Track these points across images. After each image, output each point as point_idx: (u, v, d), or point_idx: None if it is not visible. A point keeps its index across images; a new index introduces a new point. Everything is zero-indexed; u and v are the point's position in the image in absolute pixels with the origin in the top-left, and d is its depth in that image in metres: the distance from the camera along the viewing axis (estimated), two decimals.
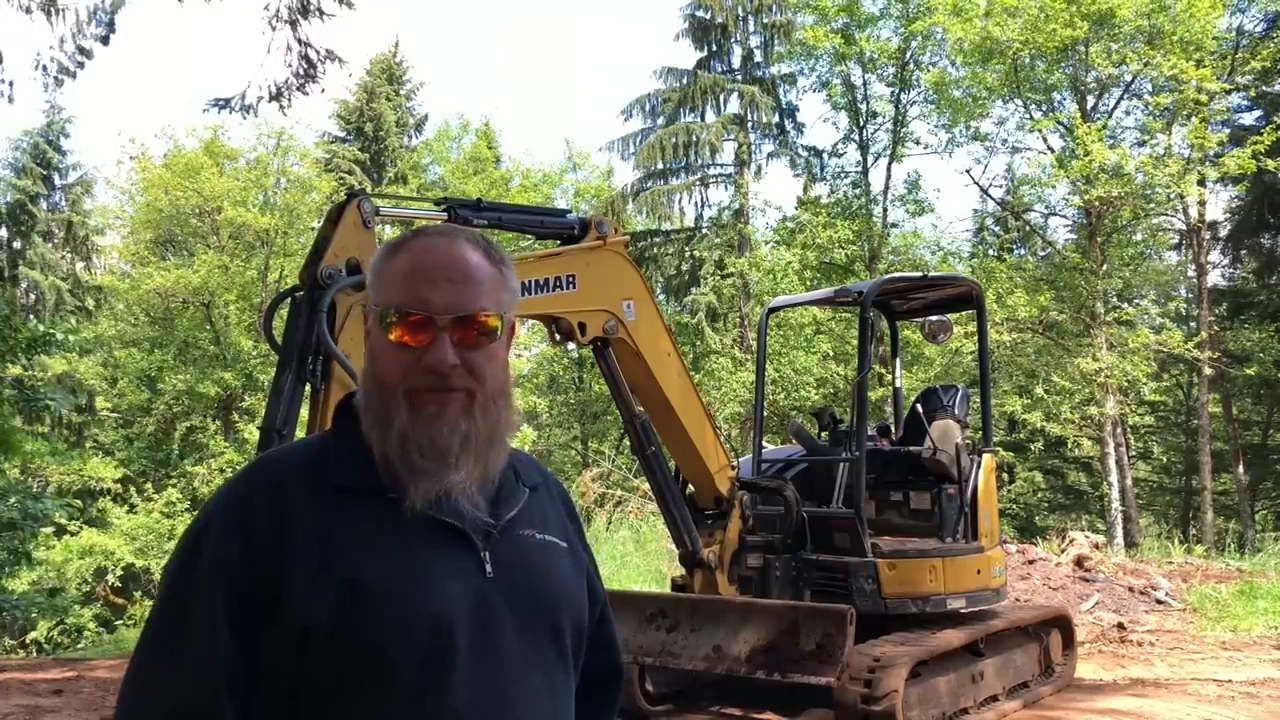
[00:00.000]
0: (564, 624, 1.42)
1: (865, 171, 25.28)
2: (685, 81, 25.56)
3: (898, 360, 9.18)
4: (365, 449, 1.36)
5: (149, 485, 22.74)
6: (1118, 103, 21.51)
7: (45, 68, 9.36)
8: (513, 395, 1.44)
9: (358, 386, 1.43)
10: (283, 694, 1.26)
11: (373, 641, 1.25)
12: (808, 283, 22.39)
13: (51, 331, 12.66)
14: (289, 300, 4.74)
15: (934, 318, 8.40)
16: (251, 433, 22.43)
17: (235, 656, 1.25)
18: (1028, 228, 26.14)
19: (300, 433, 4.50)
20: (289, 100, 9.17)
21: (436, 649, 1.27)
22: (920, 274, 9.28)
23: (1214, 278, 25.40)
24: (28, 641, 20.18)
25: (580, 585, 1.50)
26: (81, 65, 9.46)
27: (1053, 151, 20.82)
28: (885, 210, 24.80)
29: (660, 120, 25.93)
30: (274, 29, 9.04)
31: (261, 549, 1.28)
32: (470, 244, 1.40)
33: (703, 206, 26.73)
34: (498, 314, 1.37)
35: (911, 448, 7.41)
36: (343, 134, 31.65)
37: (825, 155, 26.05)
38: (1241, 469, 24.23)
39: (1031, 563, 12.67)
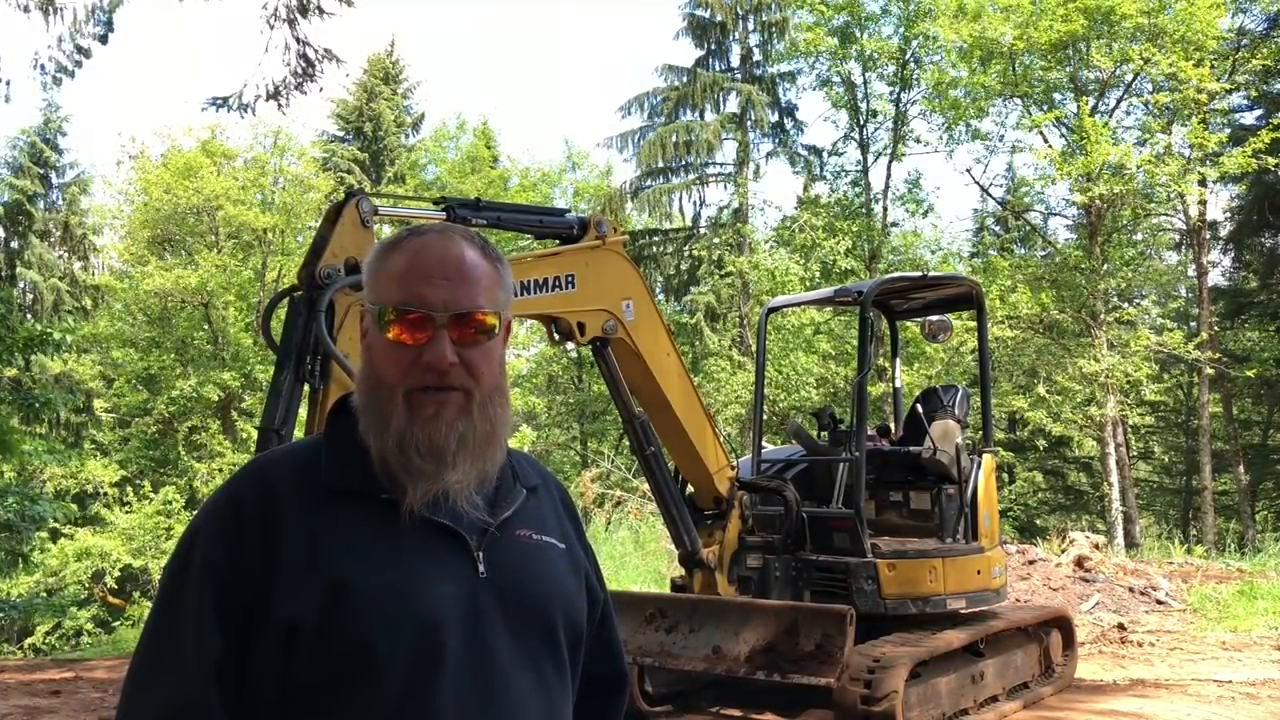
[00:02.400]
0: (559, 625, 1.41)
1: (865, 170, 25.28)
2: (685, 80, 25.55)
3: (897, 360, 9.17)
4: (360, 450, 1.36)
5: (146, 484, 22.66)
6: (1118, 102, 21.52)
7: (43, 67, 9.34)
8: (509, 394, 1.44)
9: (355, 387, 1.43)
10: (274, 695, 1.27)
11: (360, 642, 1.25)
12: (807, 283, 22.39)
13: (49, 331, 12.64)
14: (287, 300, 4.73)
15: (934, 317, 8.39)
16: (251, 432, 22.42)
17: (226, 657, 1.26)
18: (1028, 227, 26.13)
19: (299, 433, 4.50)
20: (287, 99, 9.14)
21: (425, 650, 1.27)
22: (920, 274, 9.26)
23: (1214, 278, 25.41)
24: (26, 646, 20.16)
25: (578, 587, 1.49)
26: (80, 64, 9.44)
27: (1052, 147, 20.80)
28: (885, 209, 24.79)
29: (659, 118, 25.93)
30: (272, 28, 9.03)
31: (250, 551, 1.28)
32: (467, 242, 1.39)
33: (702, 205, 26.77)
34: (495, 312, 1.38)
35: (911, 448, 7.40)
36: (341, 133, 31.66)
37: (825, 154, 26.06)
38: (1241, 469, 24.22)
39: (1031, 563, 12.65)
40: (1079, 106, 20.48)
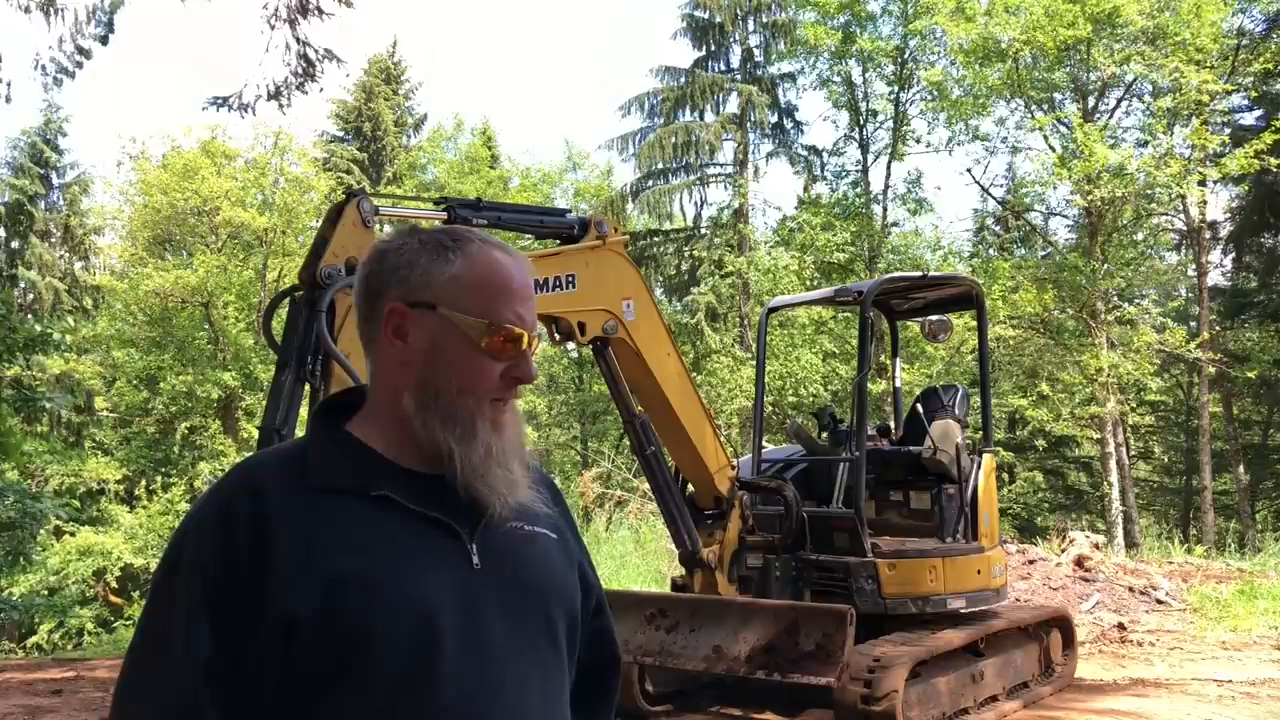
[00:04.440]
0: (556, 613, 1.44)
1: (865, 170, 25.28)
2: (683, 81, 25.54)
3: (897, 360, 9.18)
4: (355, 448, 1.40)
5: (158, 481, 22.63)
6: (1119, 103, 21.52)
7: (44, 67, 9.34)
8: None
9: (384, 384, 1.44)
10: (272, 691, 1.28)
11: (357, 636, 1.27)
12: (807, 283, 22.39)
13: (48, 331, 12.66)
14: (288, 300, 4.73)
15: (934, 317, 8.40)
16: (251, 432, 22.42)
17: (218, 658, 1.27)
18: (1028, 227, 26.14)
19: (300, 433, 4.50)
20: (287, 99, 9.15)
21: (422, 640, 1.29)
22: (920, 274, 9.28)
23: (1214, 278, 25.41)
24: (28, 645, 20.17)
25: (571, 576, 1.52)
26: (80, 65, 9.44)
27: (1054, 151, 20.82)
28: (885, 209, 24.79)
29: (659, 119, 25.91)
30: (273, 28, 9.04)
31: (241, 552, 1.29)
32: (523, 261, 1.49)
33: (702, 206, 26.74)
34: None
35: (911, 448, 7.41)
36: (341, 133, 31.64)
37: (825, 155, 26.06)
38: (1241, 469, 24.21)
39: (1031, 563, 12.65)
40: (1080, 108, 20.48)
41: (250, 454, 1.56)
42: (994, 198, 26.21)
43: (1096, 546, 13.70)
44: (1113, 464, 20.07)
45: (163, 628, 1.30)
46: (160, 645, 1.30)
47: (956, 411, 7.45)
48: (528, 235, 6.33)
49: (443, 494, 1.37)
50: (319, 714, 1.27)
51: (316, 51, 9.19)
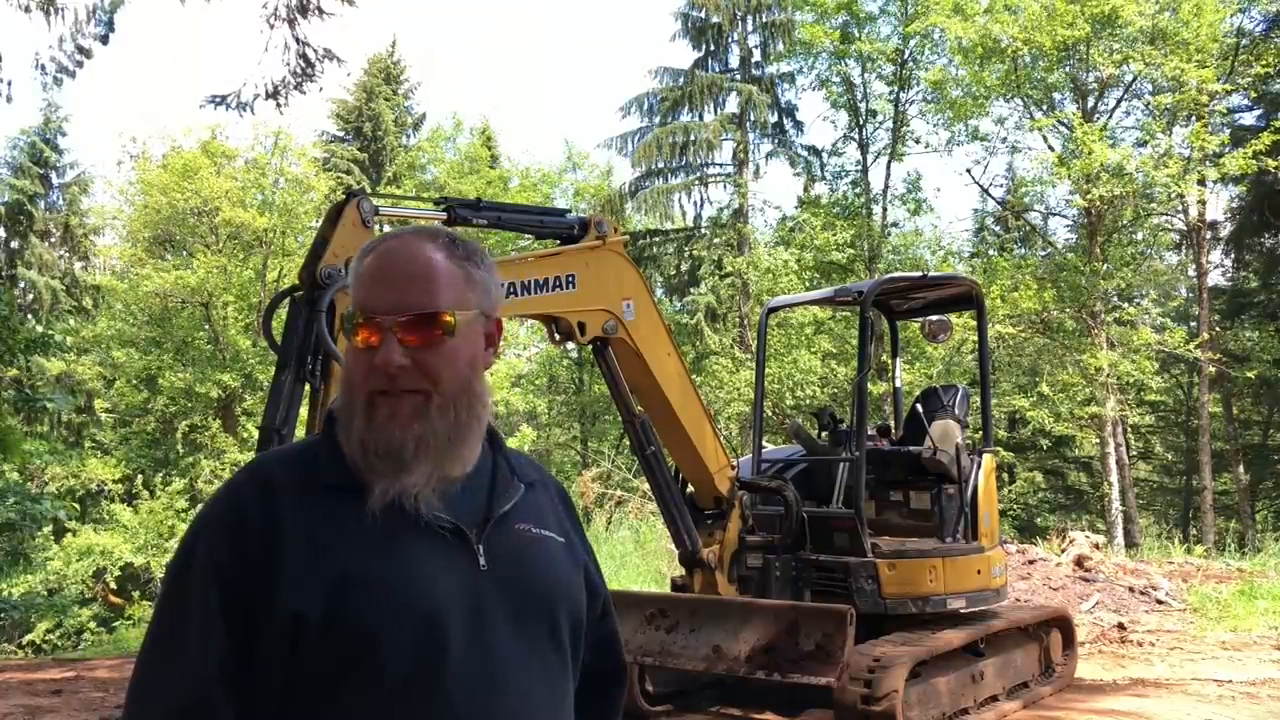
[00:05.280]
0: (560, 616, 1.43)
1: (865, 170, 25.27)
2: (682, 81, 25.54)
3: (898, 360, 9.18)
4: None
5: (158, 479, 22.62)
6: (1118, 103, 21.53)
7: (44, 67, 9.35)
8: (483, 394, 1.42)
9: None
10: (278, 689, 1.29)
11: (363, 633, 1.27)
12: (807, 283, 22.38)
13: (50, 333, 12.65)
14: (288, 300, 4.74)
15: (934, 317, 8.40)
16: (251, 432, 22.42)
17: (231, 654, 1.28)
18: (1028, 227, 26.14)
19: (300, 432, 4.51)
20: (286, 99, 9.16)
21: (428, 639, 1.29)
22: (920, 274, 9.29)
23: (1214, 278, 25.41)
24: (24, 643, 20.14)
25: (577, 580, 1.51)
26: (80, 64, 9.45)
27: (1054, 151, 20.81)
28: (885, 210, 24.78)
29: (658, 119, 25.90)
30: (272, 27, 9.05)
31: (253, 550, 1.30)
32: (431, 242, 1.40)
33: (702, 206, 26.73)
34: (453, 311, 1.36)
35: (911, 448, 7.40)
36: (341, 133, 31.61)
37: (825, 155, 26.05)
38: (1241, 469, 24.22)
39: (1031, 563, 12.66)
40: (1080, 108, 20.48)
41: (258, 453, 1.57)
42: (994, 198, 26.23)
43: (1096, 546, 13.70)
44: (1112, 464, 20.07)
45: (176, 626, 1.31)
46: (173, 644, 1.31)
47: (956, 411, 7.45)
48: (528, 235, 6.33)
49: (450, 495, 1.37)
50: (324, 713, 1.28)
51: (316, 51, 9.20)
